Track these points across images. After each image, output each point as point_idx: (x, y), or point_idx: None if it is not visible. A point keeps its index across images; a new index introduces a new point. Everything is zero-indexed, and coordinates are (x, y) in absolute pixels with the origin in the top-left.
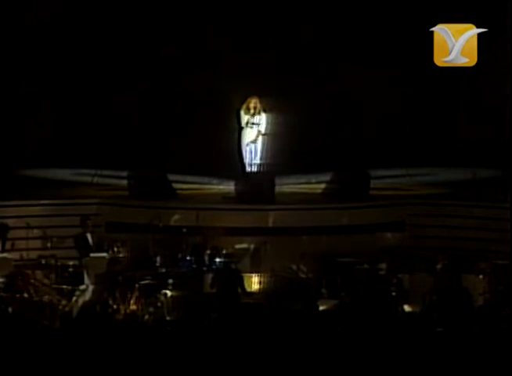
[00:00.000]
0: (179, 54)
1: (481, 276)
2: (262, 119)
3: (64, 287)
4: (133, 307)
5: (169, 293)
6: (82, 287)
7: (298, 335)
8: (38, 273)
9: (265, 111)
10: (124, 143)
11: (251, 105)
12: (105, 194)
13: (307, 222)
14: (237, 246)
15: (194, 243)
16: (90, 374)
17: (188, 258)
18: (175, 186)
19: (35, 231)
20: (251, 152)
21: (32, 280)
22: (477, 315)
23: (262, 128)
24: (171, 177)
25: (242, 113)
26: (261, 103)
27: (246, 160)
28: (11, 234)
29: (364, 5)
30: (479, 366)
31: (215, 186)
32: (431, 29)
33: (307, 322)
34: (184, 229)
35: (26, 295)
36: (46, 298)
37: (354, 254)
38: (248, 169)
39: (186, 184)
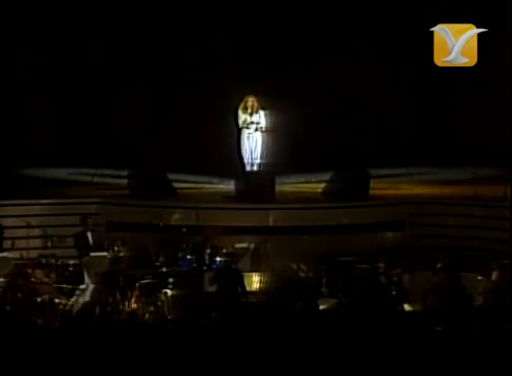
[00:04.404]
0: (179, 54)
1: (480, 276)
2: (261, 118)
3: (64, 286)
4: (133, 306)
5: (169, 292)
6: (82, 286)
7: (298, 334)
8: (38, 272)
9: (263, 109)
10: (124, 143)
11: (249, 104)
12: (105, 194)
13: (307, 222)
14: (237, 245)
15: (194, 242)
16: (90, 373)
17: (188, 257)
18: (175, 185)
19: (35, 230)
20: (251, 151)
21: (32, 279)
22: (477, 314)
23: (261, 126)
24: (171, 176)
25: (240, 112)
26: (258, 101)
27: (246, 160)
28: (12, 233)
29: (364, 4)
30: (479, 366)
31: (215, 186)
32: (431, 29)
33: (307, 321)
34: (184, 229)
35: (26, 294)
36: (46, 297)
37: (354, 253)
38: (248, 168)
39: (186, 183)
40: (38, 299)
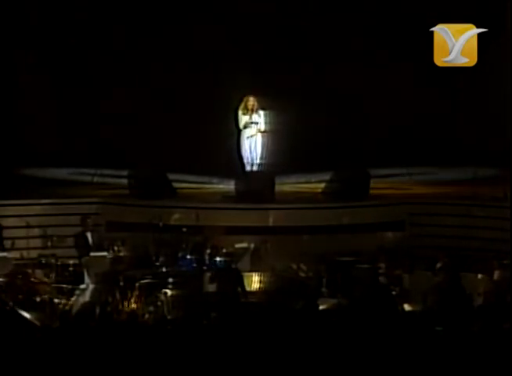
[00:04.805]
0: (179, 54)
1: (480, 276)
2: (261, 117)
3: (64, 286)
4: (133, 306)
5: (169, 292)
6: (82, 286)
7: (298, 334)
8: (38, 272)
9: (263, 109)
10: (124, 143)
11: (249, 104)
12: (105, 193)
13: (307, 222)
14: (237, 245)
15: (194, 242)
16: (90, 373)
17: (188, 257)
18: (175, 185)
19: (35, 230)
20: (251, 151)
21: (32, 279)
22: (477, 314)
23: (261, 127)
24: (171, 176)
25: (240, 112)
26: (258, 101)
27: (246, 160)
28: (12, 233)
29: (364, 3)
30: (479, 366)
31: (215, 186)
32: (431, 29)
33: (307, 321)
34: (184, 229)
35: (26, 294)
36: (46, 297)
37: (354, 253)
38: (248, 168)
39: (186, 183)
40: (38, 299)
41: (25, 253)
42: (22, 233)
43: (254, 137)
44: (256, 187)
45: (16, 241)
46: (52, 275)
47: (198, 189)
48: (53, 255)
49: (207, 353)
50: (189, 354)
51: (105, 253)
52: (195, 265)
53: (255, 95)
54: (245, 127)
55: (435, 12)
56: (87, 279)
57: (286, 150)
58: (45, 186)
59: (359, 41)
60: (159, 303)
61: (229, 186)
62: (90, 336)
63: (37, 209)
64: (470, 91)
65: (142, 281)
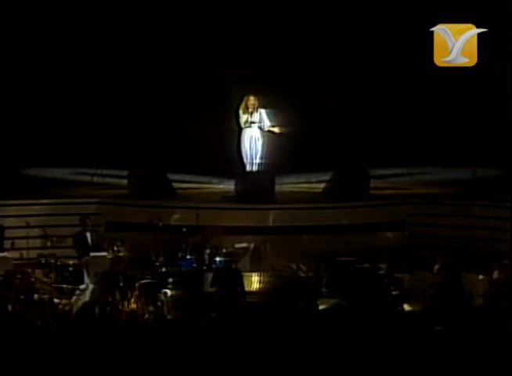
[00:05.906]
0: (179, 53)
1: (480, 276)
2: (262, 116)
3: (64, 286)
4: (133, 306)
5: (169, 292)
6: (82, 286)
7: (298, 334)
8: (38, 272)
9: (264, 108)
10: (124, 143)
11: (249, 103)
12: (105, 193)
13: (307, 221)
14: (237, 245)
15: (194, 242)
16: (90, 373)
17: (188, 257)
18: (175, 185)
19: (35, 230)
20: (251, 151)
21: (32, 279)
22: (477, 314)
23: (264, 125)
24: (171, 176)
25: (240, 112)
26: (258, 100)
27: (246, 160)
28: (11, 233)
29: (364, 3)
30: (479, 366)
31: (215, 186)
32: (431, 29)
33: (306, 321)
34: (184, 229)
35: (25, 294)
36: (46, 297)
37: (354, 253)
38: (248, 168)
39: (186, 183)
40: (38, 299)
41: (25, 253)
42: (22, 233)
43: (254, 137)
44: (256, 187)
45: (16, 241)
46: (52, 275)
47: (198, 189)
48: (53, 255)
49: (207, 353)
50: (189, 354)
51: (104, 253)
52: (195, 265)
53: (256, 94)
54: (245, 126)
55: (435, 12)
56: (87, 279)
57: (287, 150)
58: (45, 186)
59: (360, 40)
60: (159, 303)
61: (229, 186)
62: (90, 336)
63: (37, 209)
64: (470, 91)
65: (142, 281)
